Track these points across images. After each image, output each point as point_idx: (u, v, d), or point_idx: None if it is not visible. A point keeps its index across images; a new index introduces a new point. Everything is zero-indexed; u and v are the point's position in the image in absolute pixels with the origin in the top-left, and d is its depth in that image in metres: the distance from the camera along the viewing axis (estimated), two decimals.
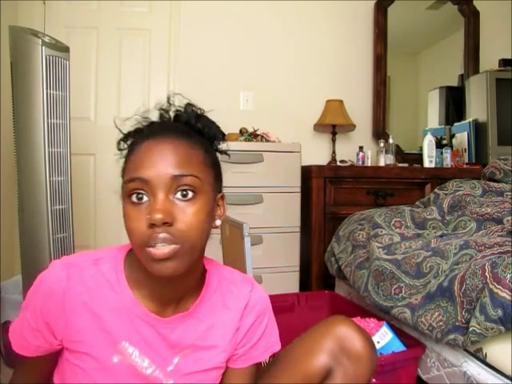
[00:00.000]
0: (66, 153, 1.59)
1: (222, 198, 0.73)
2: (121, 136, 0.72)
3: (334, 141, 2.73)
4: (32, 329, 0.69)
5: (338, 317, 0.86)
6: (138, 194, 0.63)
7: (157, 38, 2.71)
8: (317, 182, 2.37)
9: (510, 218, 1.39)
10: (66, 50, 1.58)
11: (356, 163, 2.66)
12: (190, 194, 0.64)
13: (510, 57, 2.89)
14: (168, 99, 0.75)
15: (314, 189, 2.37)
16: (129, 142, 0.71)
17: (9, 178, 2.09)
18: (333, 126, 2.70)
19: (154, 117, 0.74)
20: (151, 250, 0.61)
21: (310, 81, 2.86)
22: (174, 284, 0.69)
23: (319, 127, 2.79)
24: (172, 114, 0.73)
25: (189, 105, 0.75)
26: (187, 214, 0.63)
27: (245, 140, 2.42)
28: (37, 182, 1.50)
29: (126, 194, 0.64)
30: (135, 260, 0.68)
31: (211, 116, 0.75)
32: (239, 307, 0.78)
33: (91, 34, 2.64)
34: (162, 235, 0.61)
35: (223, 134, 0.77)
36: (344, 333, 0.82)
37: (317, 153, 2.79)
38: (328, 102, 2.74)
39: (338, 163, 2.63)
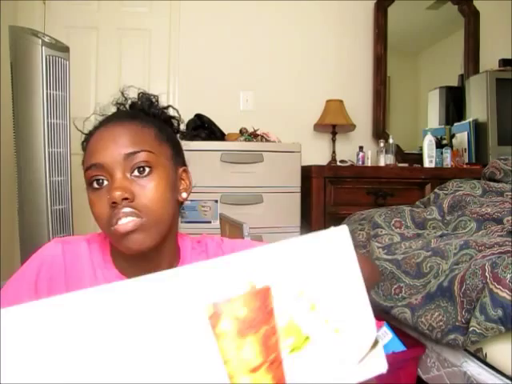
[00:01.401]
0: (65, 153, 1.59)
1: (185, 171, 0.75)
2: (83, 137, 0.73)
3: (333, 141, 2.73)
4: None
5: None
6: (98, 180, 0.65)
7: (157, 37, 2.71)
8: (317, 182, 2.37)
9: (510, 217, 1.39)
10: (66, 50, 1.58)
11: (356, 163, 2.66)
12: (147, 170, 0.65)
13: (510, 57, 2.88)
14: (122, 93, 0.77)
15: (314, 189, 2.37)
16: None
17: (9, 178, 2.09)
18: (333, 125, 2.70)
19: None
20: (116, 226, 0.63)
21: (310, 81, 2.86)
22: (148, 260, 0.69)
23: (319, 127, 2.79)
24: (127, 107, 0.77)
25: (142, 94, 0.77)
26: (147, 188, 0.65)
27: (245, 140, 2.42)
28: (37, 182, 1.50)
29: (87, 183, 0.66)
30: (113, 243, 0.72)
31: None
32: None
33: (91, 34, 2.64)
34: (123, 210, 0.62)
35: (179, 117, 0.79)
36: None
37: (317, 153, 2.79)
38: (328, 102, 2.74)
39: (338, 163, 2.63)
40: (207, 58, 2.75)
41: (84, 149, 0.71)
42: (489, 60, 2.92)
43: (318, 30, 2.88)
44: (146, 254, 0.67)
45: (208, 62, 2.75)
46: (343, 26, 2.91)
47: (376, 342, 0.44)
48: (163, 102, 0.79)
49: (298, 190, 2.34)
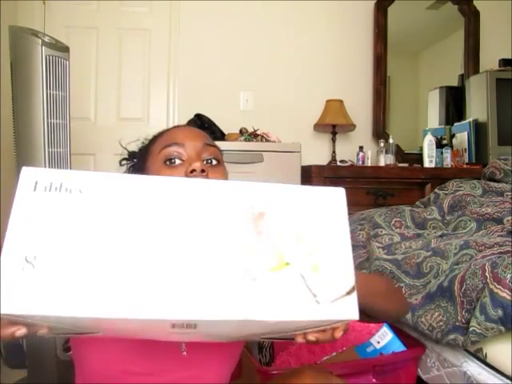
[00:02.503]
0: (65, 153, 1.58)
1: None
2: (125, 155, 0.83)
3: (334, 141, 2.73)
4: None
5: (302, 374, 0.74)
6: (172, 158, 0.72)
7: (157, 38, 2.71)
8: (317, 182, 2.37)
9: (510, 217, 1.39)
10: (66, 50, 1.58)
11: (356, 163, 2.66)
12: (215, 162, 0.75)
13: (510, 57, 2.88)
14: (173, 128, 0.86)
15: None
16: (134, 160, 0.84)
17: (9, 178, 2.09)
18: (333, 126, 2.70)
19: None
20: None
21: (310, 81, 2.86)
22: None
23: (319, 127, 2.79)
24: None
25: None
26: (215, 173, 0.73)
27: (245, 140, 2.42)
28: None
29: (161, 160, 0.72)
30: None
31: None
32: None
33: (91, 34, 2.64)
34: (200, 177, 0.69)
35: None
36: None
37: (317, 153, 2.79)
38: (328, 102, 2.74)
39: (338, 163, 2.63)
40: (207, 58, 2.75)
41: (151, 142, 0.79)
42: (489, 60, 2.91)
43: (318, 30, 2.88)
44: None
45: (208, 62, 2.75)
46: (343, 25, 2.91)
47: (352, 292, 0.47)
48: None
49: None
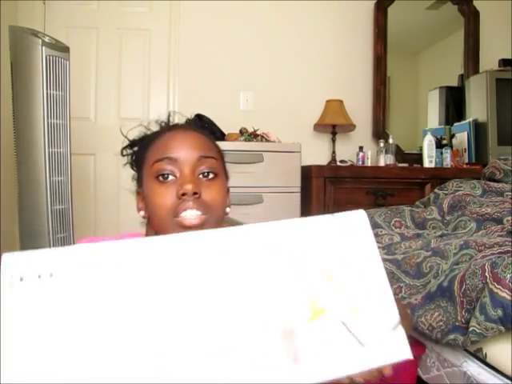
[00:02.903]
0: (66, 153, 1.59)
1: (228, 190, 0.78)
2: (126, 143, 0.78)
3: (334, 141, 2.73)
4: None
5: None
6: (165, 174, 0.69)
7: (157, 37, 2.71)
8: (317, 182, 2.37)
9: (510, 217, 1.39)
10: (66, 50, 1.58)
11: (356, 163, 2.66)
12: (212, 175, 0.71)
13: (510, 57, 2.88)
14: (169, 116, 0.82)
15: (314, 189, 2.37)
16: (134, 149, 0.79)
17: (9, 178, 2.09)
18: (333, 126, 2.70)
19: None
20: (179, 219, 0.66)
21: (309, 81, 2.86)
22: None
23: (319, 127, 2.79)
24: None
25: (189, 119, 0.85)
26: (212, 189, 0.69)
27: (245, 140, 2.42)
28: (37, 181, 1.50)
29: (153, 175, 0.69)
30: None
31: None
32: None
33: (91, 34, 2.64)
34: (191, 203, 0.66)
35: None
36: None
37: (317, 153, 2.79)
38: (328, 102, 2.74)
39: (338, 163, 2.63)
40: (207, 58, 2.75)
41: (147, 146, 0.74)
42: (489, 60, 2.91)
43: (318, 30, 2.88)
44: None
45: (208, 62, 2.74)
46: (343, 25, 2.91)
47: (398, 326, 0.43)
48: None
49: (298, 190, 2.34)
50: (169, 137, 0.73)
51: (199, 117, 2.43)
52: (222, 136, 2.47)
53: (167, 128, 0.76)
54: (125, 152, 0.81)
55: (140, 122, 0.82)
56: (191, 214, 0.66)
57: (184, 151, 0.70)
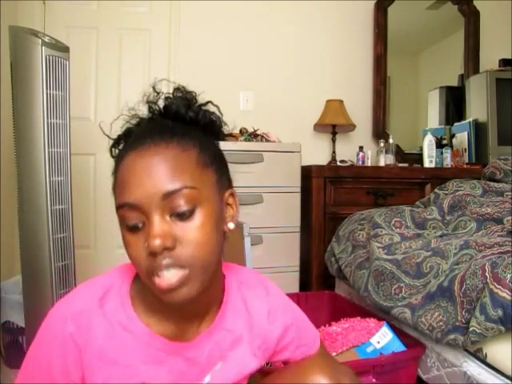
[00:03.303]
0: (66, 153, 1.58)
1: (232, 195, 0.66)
2: (111, 142, 0.64)
3: (334, 141, 2.73)
4: None
5: (314, 365, 0.75)
6: (129, 225, 0.56)
7: (157, 37, 2.71)
8: (317, 182, 2.37)
9: (510, 217, 1.39)
10: (65, 50, 1.58)
11: (356, 163, 2.66)
12: (189, 211, 0.55)
13: (510, 57, 2.88)
14: (154, 88, 0.65)
15: (314, 189, 2.37)
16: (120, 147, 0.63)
17: (9, 178, 2.09)
18: (333, 126, 2.70)
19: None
20: (156, 279, 0.55)
21: (309, 81, 2.86)
22: (192, 305, 0.61)
23: (319, 127, 2.79)
24: (161, 105, 0.64)
25: (177, 90, 0.64)
26: (190, 232, 0.55)
27: (245, 140, 2.42)
28: (37, 181, 1.50)
29: (120, 221, 0.57)
30: (144, 287, 0.61)
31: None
32: (262, 314, 0.71)
33: (91, 34, 2.64)
34: (165, 261, 0.54)
35: (221, 117, 0.69)
36: None
37: (317, 153, 2.79)
38: (328, 102, 2.73)
39: (338, 163, 2.62)
40: (207, 57, 2.75)
41: (114, 171, 0.59)
42: (489, 60, 2.92)
43: (318, 30, 2.88)
44: (189, 302, 0.58)
45: (208, 62, 2.74)
46: (343, 25, 2.91)
47: None
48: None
49: (298, 190, 2.34)
50: (127, 166, 0.56)
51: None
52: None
53: (130, 143, 0.59)
54: (114, 153, 0.65)
55: (121, 110, 0.66)
56: (167, 275, 0.54)
57: (144, 190, 0.54)
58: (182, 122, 0.63)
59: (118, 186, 0.57)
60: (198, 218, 0.56)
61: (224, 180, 0.64)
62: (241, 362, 0.69)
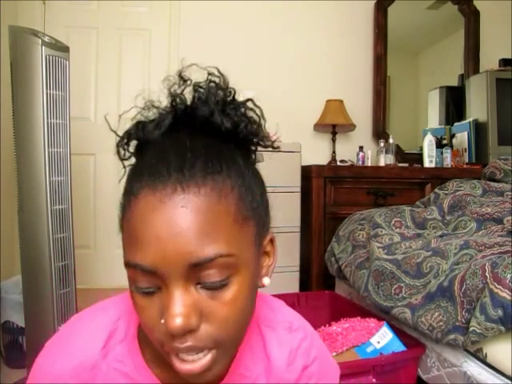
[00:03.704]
0: (66, 153, 1.58)
1: (272, 241, 0.51)
2: (118, 140, 0.50)
3: (334, 141, 2.73)
4: None
5: None
6: (142, 288, 0.43)
7: (157, 37, 2.71)
8: (317, 182, 2.37)
9: (510, 217, 1.39)
10: (65, 49, 1.58)
11: (356, 163, 2.66)
12: (220, 284, 0.42)
13: (510, 57, 2.88)
14: (180, 75, 0.50)
15: (314, 189, 2.37)
16: (131, 148, 0.49)
17: (9, 178, 2.09)
18: (333, 125, 2.70)
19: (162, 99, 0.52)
20: (176, 362, 0.44)
21: (309, 81, 2.86)
22: None
23: (319, 127, 2.79)
24: (188, 102, 0.50)
25: (211, 84, 0.50)
26: (220, 307, 0.43)
27: None
28: (37, 181, 1.50)
29: (128, 278, 0.44)
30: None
31: None
32: (282, 357, 0.59)
33: (91, 34, 2.64)
34: (186, 345, 0.42)
35: (264, 123, 0.53)
36: None
37: (317, 153, 2.79)
38: (328, 102, 2.73)
39: (338, 163, 2.63)
40: (207, 58, 2.74)
41: (123, 209, 0.44)
42: (489, 60, 2.92)
43: (318, 30, 2.88)
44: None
45: (208, 62, 2.73)
46: (343, 25, 2.91)
47: None
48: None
49: (298, 189, 2.34)
50: (138, 214, 0.42)
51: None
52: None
53: (145, 177, 0.42)
54: (122, 150, 0.50)
55: (135, 102, 0.51)
56: (187, 358, 0.43)
57: (163, 255, 0.40)
58: (212, 133, 0.48)
59: (128, 237, 0.43)
60: (232, 289, 0.43)
61: (266, 224, 0.50)
62: None
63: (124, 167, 0.49)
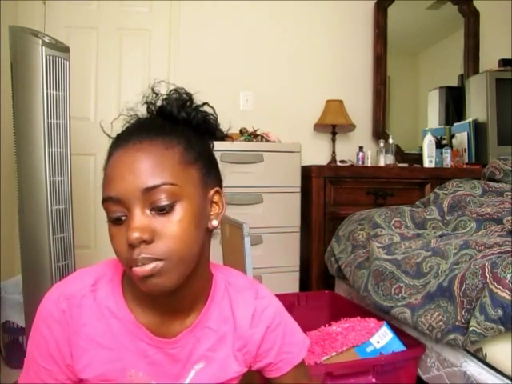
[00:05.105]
0: (66, 153, 1.59)
1: (218, 192, 0.66)
2: (111, 141, 0.65)
3: (333, 141, 2.74)
4: (46, 370, 0.66)
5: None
6: (113, 217, 0.59)
7: (157, 37, 2.71)
8: (317, 182, 2.37)
9: (509, 217, 1.39)
10: (66, 50, 1.58)
11: (356, 163, 2.66)
12: (168, 206, 0.57)
13: (510, 57, 2.89)
14: (152, 90, 0.67)
15: (314, 189, 2.37)
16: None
17: (9, 178, 2.09)
18: (333, 126, 2.70)
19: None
20: (135, 268, 0.57)
21: (309, 81, 2.86)
22: (174, 298, 0.64)
23: (319, 127, 2.79)
24: (156, 109, 0.67)
25: (174, 91, 0.67)
26: (168, 226, 0.57)
27: (245, 140, 2.42)
28: (37, 182, 1.50)
29: (106, 214, 0.61)
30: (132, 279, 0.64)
31: None
32: (246, 317, 0.72)
33: (91, 34, 2.64)
34: (141, 256, 0.56)
35: (215, 117, 0.70)
36: None
37: (317, 153, 2.79)
38: (328, 102, 2.74)
39: (338, 163, 2.63)
40: (207, 58, 2.75)
41: (104, 168, 0.63)
42: (489, 60, 2.92)
43: (318, 30, 2.88)
44: (167, 294, 0.61)
45: (208, 62, 2.74)
46: (343, 25, 2.91)
47: None
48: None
49: (298, 190, 2.34)
50: (113, 162, 0.60)
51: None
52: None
53: (120, 142, 0.61)
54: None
55: (121, 110, 0.68)
56: (142, 265, 0.56)
57: (126, 185, 0.57)
58: (174, 122, 0.65)
59: (105, 181, 0.61)
60: (178, 213, 0.58)
61: (211, 178, 0.65)
62: (223, 363, 0.71)
63: None
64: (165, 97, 0.67)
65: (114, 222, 0.59)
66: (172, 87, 0.67)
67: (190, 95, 0.67)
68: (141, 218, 0.57)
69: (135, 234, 0.56)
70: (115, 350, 0.65)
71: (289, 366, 0.75)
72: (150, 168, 0.57)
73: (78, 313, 0.64)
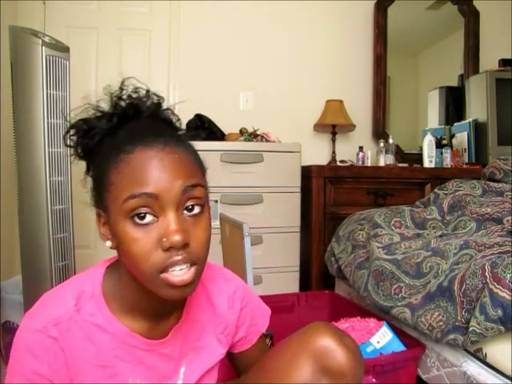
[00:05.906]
0: (66, 153, 1.59)
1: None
2: (118, 138, 0.61)
3: (333, 141, 2.74)
4: None
5: (317, 326, 0.75)
6: (141, 213, 0.55)
7: (157, 37, 2.71)
8: (317, 182, 2.37)
9: (510, 217, 1.39)
10: (66, 50, 1.58)
11: (356, 163, 2.66)
12: (197, 209, 0.58)
13: (510, 57, 2.88)
14: (122, 83, 0.67)
15: (314, 189, 2.37)
16: (95, 140, 0.64)
17: (9, 178, 2.09)
18: (333, 126, 2.70)
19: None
20: (168, 276, 0.55)
21: (309, 81, 2.86)
22: (171, 301, 0.64)
23: (319, 127, 2.79)
24: (127, 101, 0.67)
25: (148, 92, 0.67)
26: (200, 230, 0.58)
27: (245, 140, 2.42)
28: (37, 182, 1.50)
29: (125, 214, 0.55)
30: (116, 287, 0.64)
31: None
32: (223, 302, 0.76)
33: (91, 34, 2.64)
34: (181, 257, 0.55)
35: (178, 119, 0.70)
36: (323, 348, 0.70)
37: (317, 153, 2.79)
38: (328, 102, 2.74)
39: (338, 163, 2.63)
40: (207, 58, 2.75)
41: (113, 167, 0.58)
42: (489, 60, 2.92)
43: (318, 30, 2.88)
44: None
45: (208, 62, 2.74)
46: (343, 25, 2.91)
47: None
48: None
49: (298, 190, 2.34)
50: (141, 159, 0.56)
51: (199, 117, 2.44)
52: (222, 136, 2.47)
53: (134, 141, 0.58)
54: (70, 142, 0.68)
55: (86, 99, 0.68)
56: (181, 270, 0.55)
57: (165, 182, 0.55)
58: (157, 121, 0.65)
59: (128, 177, 0.56)
60: (205, 217, 0.59)
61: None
62: (209, 349, 0.74)
63: (74, 155, 0.69)
64: (132, 94, 0.67)
65: (139, 224, 0.55)
66: (147, 89, 0.67)
67: (162, 99, 0.68)
68: (179, 219, 0.56)
69: (177, 237, 0.54)
70: (110, 367, 0.64)
71: (257, 335, 0.81)
72: (188, 167, 0.58)
73: (70, 337, 0.61)
